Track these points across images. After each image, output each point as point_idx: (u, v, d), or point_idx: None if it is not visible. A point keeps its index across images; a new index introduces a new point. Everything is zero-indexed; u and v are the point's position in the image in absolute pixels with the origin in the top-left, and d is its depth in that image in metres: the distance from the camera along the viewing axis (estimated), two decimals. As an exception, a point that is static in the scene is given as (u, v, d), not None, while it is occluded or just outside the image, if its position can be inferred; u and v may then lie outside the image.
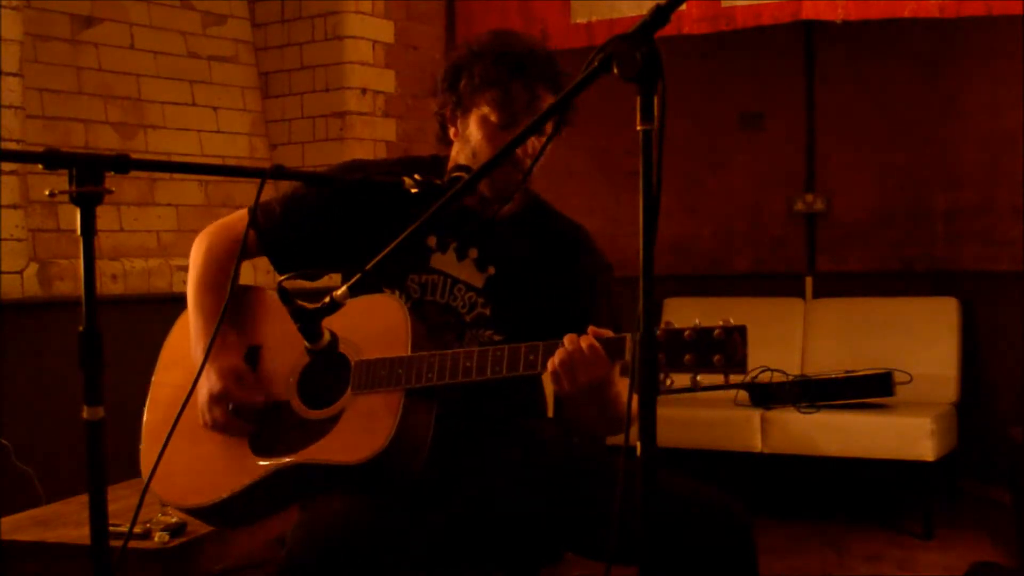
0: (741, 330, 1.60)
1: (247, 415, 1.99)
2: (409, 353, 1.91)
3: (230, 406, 1.98)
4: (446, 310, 2.08)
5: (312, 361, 1.99)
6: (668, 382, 1.63)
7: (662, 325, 1.62)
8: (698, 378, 1.63)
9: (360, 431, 1.89)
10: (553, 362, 1.78)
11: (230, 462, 1.99)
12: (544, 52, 2.05)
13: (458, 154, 2.11)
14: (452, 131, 2.13)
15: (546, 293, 2.09)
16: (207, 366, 1.99)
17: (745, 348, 1.59)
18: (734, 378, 1.62)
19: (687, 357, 1.60)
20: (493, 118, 2.03)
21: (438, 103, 2.14)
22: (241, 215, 2.18)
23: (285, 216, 2.13)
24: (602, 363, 1.76)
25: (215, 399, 1.99)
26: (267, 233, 2.13)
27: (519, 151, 2.00)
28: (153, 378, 2.19)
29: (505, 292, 2.09)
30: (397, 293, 2.06)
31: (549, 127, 2.01)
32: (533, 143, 2.03)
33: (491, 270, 2.10)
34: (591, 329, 1.79)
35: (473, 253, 2.10)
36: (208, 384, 1.99)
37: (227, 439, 2.02)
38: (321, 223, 2.11)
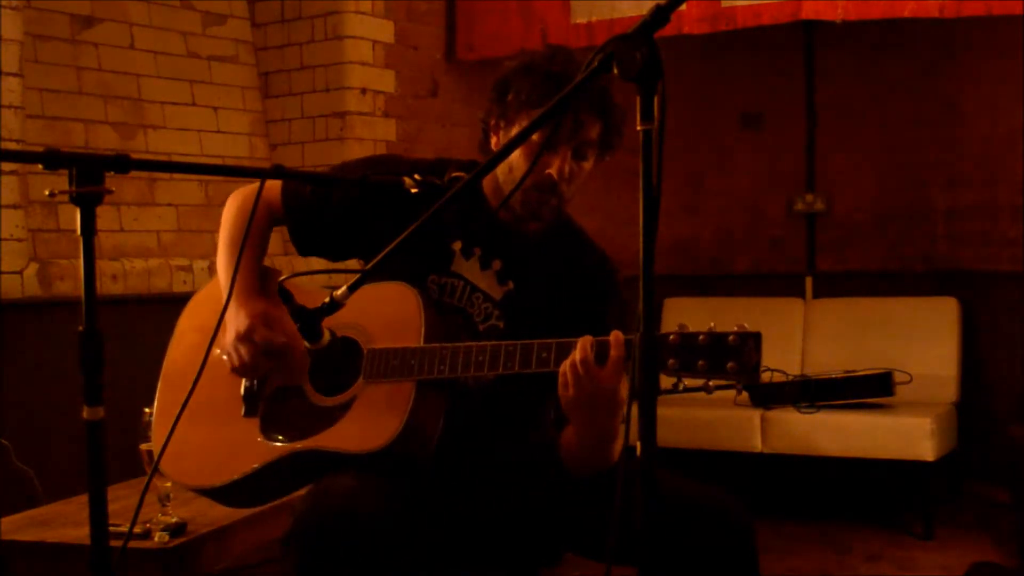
0: (756, 337, 1.58)
1: (272, 353, 1.99)
2: (422, 344, 1.91)
3: (257, 342, 1.98)
4: (462, 315, 2.07)
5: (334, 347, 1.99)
6: (680, 386, 1.63)
7: (676, 328, 1.62)
8: (709, 383, 1.62)
9: (370, 421, 1.89)
10: (564, 363, 1.78)
11: (240, 445, 2.01)
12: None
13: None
14: (494, 141, 2.09)
15: (560, 318, 2.04)
16: (235, 311, 2.00)
17: (759, 355, 1.58)
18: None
19: (700, 363, 1.59)
20: (535, 136, 1.96)
21: (484, 111, 2.11)
22: (274, 184, 2.16)
23: (313, 197, 2.13)
24: (610, 373, 1.75)
25: (242, 337, 1.99)
26: (293, 208, 2.15)
27: (555, 174, 1.98)
28: (165, 360, 2.20)
29: (521, 310, 2.07)
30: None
31: (591, 153, 2.03)
32: (572, 167, 2.01)
33: (511, 285, 2.08)
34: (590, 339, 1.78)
35: (496, 264, 2.09)
36: (236, 324, 2.00)
37: (238, 420, 2.03)
38: (344, 215, 2.11)
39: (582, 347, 1.76)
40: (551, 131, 1.93)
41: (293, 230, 2.18)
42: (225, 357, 2.04)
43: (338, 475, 1.86)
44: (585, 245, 2.18)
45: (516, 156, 2.00)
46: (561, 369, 1.78)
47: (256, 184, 2.18)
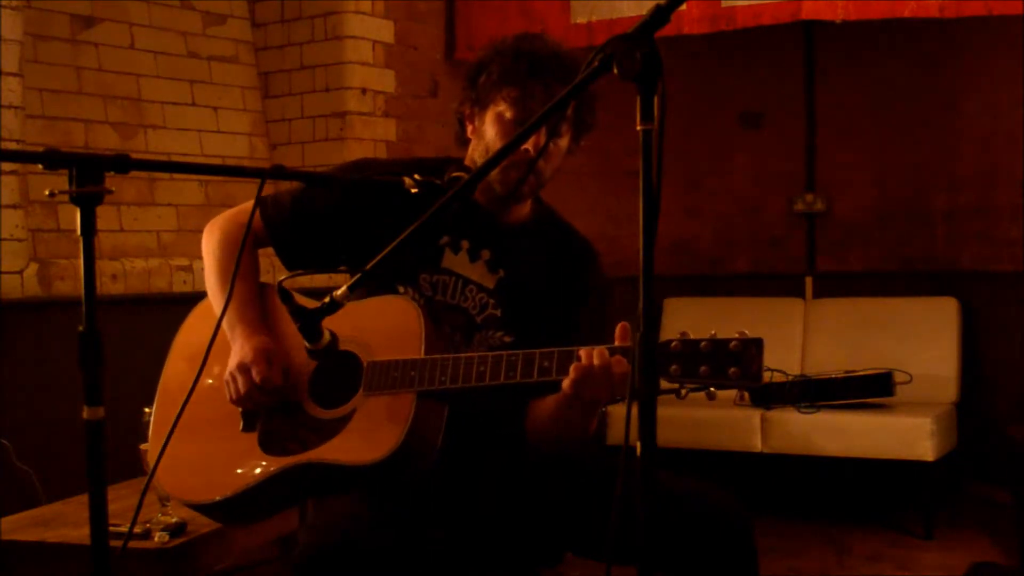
0: (757, 343, 1.59)
1: (267, 391, 1.99)
2: (422, 356, 1.90)
3: (255, 380, 1.97)
4: (455, 310, 2.08)
5: (324, 360, 1.98)
6: (684, 392, 1.63)
7: (678, 335, 1.63)
8: (711, 389, 1.63)
9: (371, 433, 1.89)
10: (568, 377, 1.78)
11: (239, 459, 1.99)
12: (568, 57, 2.03)
13: (473, 151, 2.11)
14: (470, 128, 2.12)
15: (552, 300, 2.09)
16: (242, 342, 2.01)
17: (761, 361, 1.59)
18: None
19: (703, 368, 1.60)
20: (508, 115, 2.02)
21: (458, 101, 2.13)
22: (249, 206, 2.13)
23: (295, 210, 2.13)
24: (609, 383, 1.77)
25: (241, 368, 1.98)
26: (276, 225, 2.13)
27: (531, 149, 1.99)
28: (163, 375, 2.18)
29: (516, 295, 2.09)
30: (410, 291, 2.07)
31: (565, 130, 2.03)
32: (548, 144, 2.01)
33: (502, 273, 2.10)
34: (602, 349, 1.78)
35: (486, 255, 2.10)
36: (240, 355, 2.00)
37: (236, 435, 2.02)
38: (330, 221, 2.11)
39: (600, 355, 1.77)
40: (524, 109, 1.98)
41: (279, 249, 2.16)
42: (224, 381, 2.03)
43: (335, 500, 1.85)
44: (568, 231, 2.21)
45: (492, 138, 2.04)
46: (574, 377, 1.78)
47: (233, 210, 2.21)
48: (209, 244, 2.17)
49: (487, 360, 1.84)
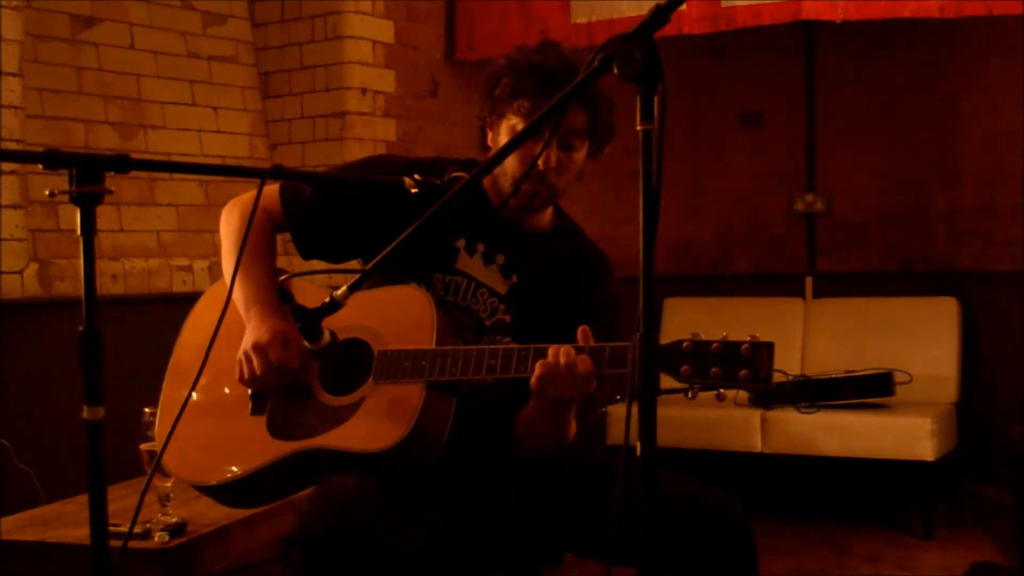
0: (768, 347, 1.61)
1: (283, 373, 1.97)
2: (434, 347, 1.91)
3: (272, 360, 1.96)
4: (466, 312, 2.08)
5: (331, 352, 1.96)
6: (690, 393, 1.64)
7: (689, 335, 1.64)
8: (721, 391, 1.64)
9: (380, 421, 1.89)
10: (533, 374, 1.80)
11: (246, 442, 1.99)
12: (581, 66, 2.04)
13: None
14: (490, 136, 2.14)
15: (562, 310, 2.09)
16: (258, 323, 1.99)
17: (772, 364, 1.60)
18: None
19: (714, 370, 1.61)
20: (520, 128, 2.02)
21: (478, 108, 2.14)
22: (270, 189, 2.16)
23: (313, 198, 2.13)
24: (573, 381, 1.78)
25: (257, 349, 1.96)
26: (294, 211, 2.14)
27: (543, 164, 2.00)
28: (174, 353, 2.18)
29: (526, 302, 2.10)
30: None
31: (580, 143, 2.04)
32: (560, 157, 2.03)
33: (515, 278, 2.10)
34: (578, 344, 1.80)
35: (500, 259, 2.11)
36: (255, 335, 1.98)
37: (244, 418, 2.02)
38: (346, 213, 2.11)
39: (565, 354, 1.78)
40: (536, 122, 1.96)
41: (295, 235, 2.17)
42: (236, 362, 2.02)
43: (341, 476, 1.85)
44: (582, 241, 2.22)
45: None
46: (539, 373, 1.80)
47: (253, 192, 2.19)
48: (228, 225, 2.18)
49: (498, 353, 1.85)
